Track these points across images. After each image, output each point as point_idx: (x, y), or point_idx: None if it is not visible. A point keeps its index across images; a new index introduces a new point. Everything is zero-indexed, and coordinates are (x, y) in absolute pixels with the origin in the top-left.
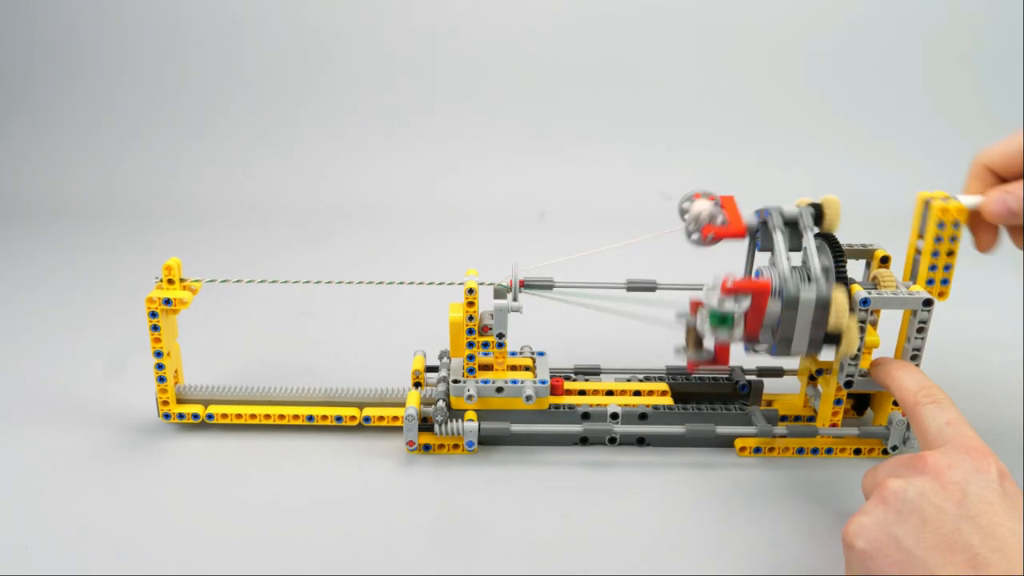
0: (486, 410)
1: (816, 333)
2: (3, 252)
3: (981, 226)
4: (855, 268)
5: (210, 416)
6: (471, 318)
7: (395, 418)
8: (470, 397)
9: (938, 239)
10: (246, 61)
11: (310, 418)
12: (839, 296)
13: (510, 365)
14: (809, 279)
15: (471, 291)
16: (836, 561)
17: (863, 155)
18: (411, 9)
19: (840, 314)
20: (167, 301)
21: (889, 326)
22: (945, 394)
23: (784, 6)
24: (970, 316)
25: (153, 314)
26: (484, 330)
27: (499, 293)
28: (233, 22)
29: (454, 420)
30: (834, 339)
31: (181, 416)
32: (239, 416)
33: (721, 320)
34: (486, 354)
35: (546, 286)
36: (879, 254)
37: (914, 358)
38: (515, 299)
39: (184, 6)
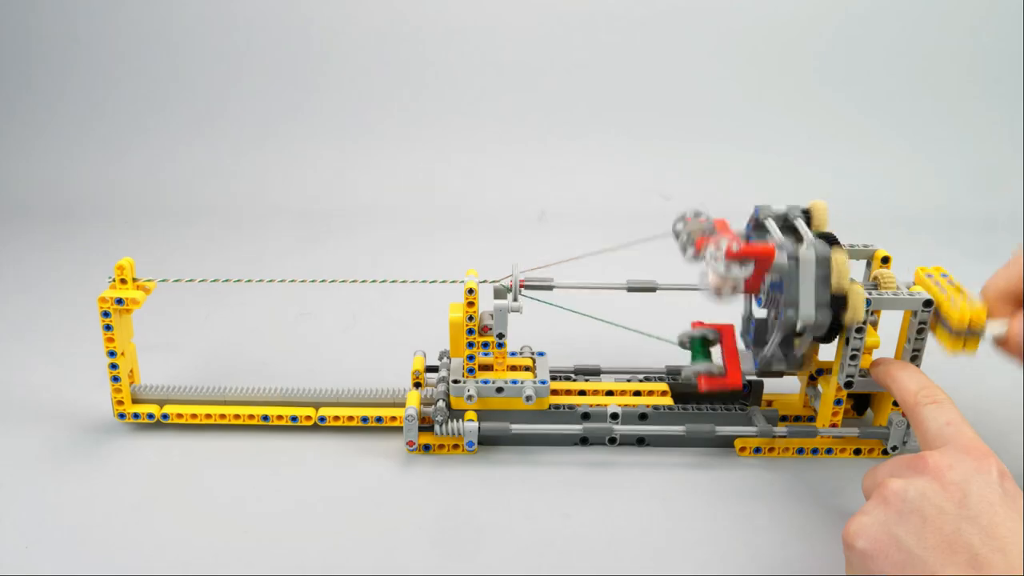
0: (486, 410)
1: (821, 295)
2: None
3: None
4: (855, 268)
5: (165, 416)
6: (471, 318)
7: (350, 418)
8: (470, 397)
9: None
10: (245, 61)
11: (265, 418)
12: (839, 255)
13: (510, 365)
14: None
15: (471, 291)
16: (836, 561)
17: (864, 155)
18: (410, 9)
19: (842, 272)
20: (119, 301)
21: (889, 327)
22: (945, 394)
23: (785, 6)
24: None
25: (106, 314)
26: (484, 330)
27: (499, 293)
28: (231, 22)
29: (454, 420)
30: (840, 304)
31: (136, 416)
32: (194, 416)
33: (702, 348)
34: (486, 354)
35: (546, 286)
36: (879, 254)
37: (914, 359)
38: (515, 299)
39: (183, 7)
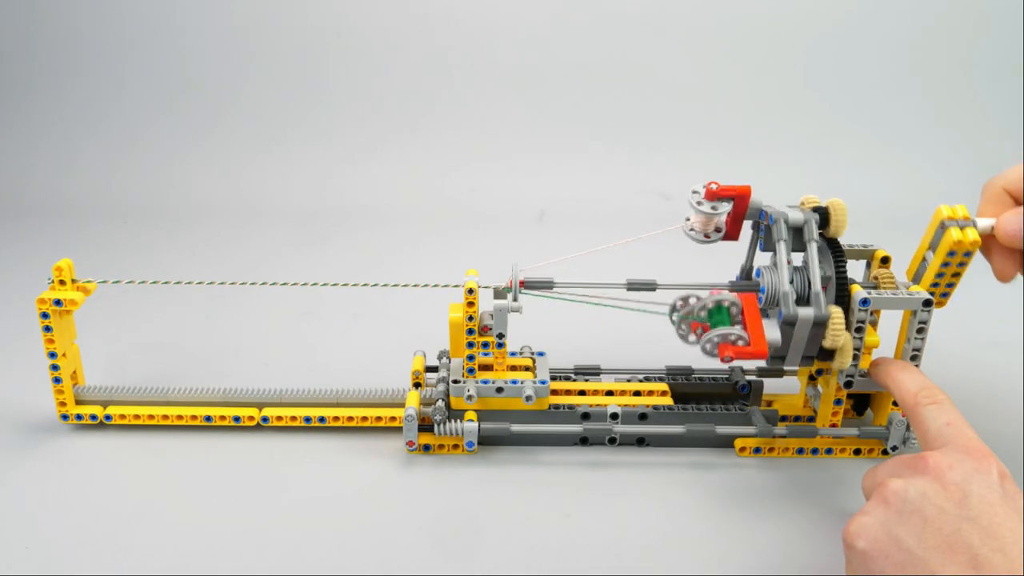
0: (486, 410)
1: (811, 350)
2: (7, 251)
3: (997, 251)
4: (855, 268)
5: (108, 417)
6: (471, 318)
7: (282, 418)
8: (470, 397)
9: (946, 264)
10: (246, 62)
11: (208, 419)
12: (836, 315)
13: (510, 365)
14: (809, 286)
15: (471, 291)
16: (836, 561)
17: (863, 155)
18: (411, 10)
19: (836, 333)
20: (58, 302)
21: (889, 326)
22: (945, 394)
23: (784, 5)
24: (969, 316)
25: (45, 315)
26: (484, 330)
27: (499, 293)
28: (233, 23)
29: (454, 420)
30: (828, 354)
31: (79, 417)
32: (137, 417)
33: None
34: (486, 354)
35: (546, 286)
36: (879, 254)
37: (914, 358)
38: (515, 299)
39: (184, 8)
